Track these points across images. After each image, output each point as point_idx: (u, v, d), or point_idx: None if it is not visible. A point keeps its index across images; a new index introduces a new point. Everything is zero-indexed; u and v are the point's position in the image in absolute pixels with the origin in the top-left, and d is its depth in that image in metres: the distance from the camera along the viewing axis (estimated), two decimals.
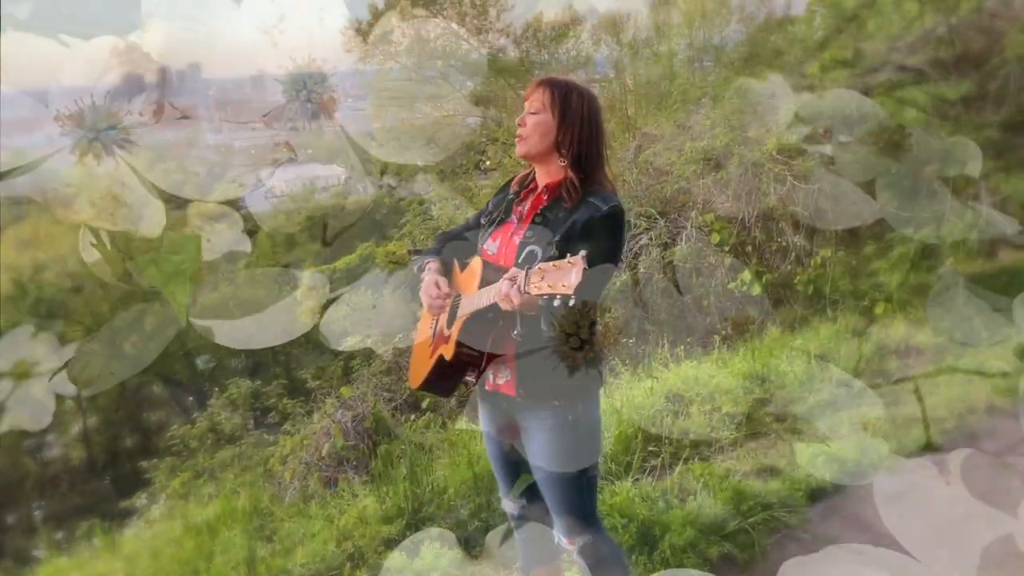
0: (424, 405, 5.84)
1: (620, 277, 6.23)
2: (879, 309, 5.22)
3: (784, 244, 6.09)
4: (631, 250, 6.45)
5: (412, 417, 5.60)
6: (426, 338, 2.22)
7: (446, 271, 2.19)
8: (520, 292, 1.71)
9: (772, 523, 3.13)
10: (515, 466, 2.24)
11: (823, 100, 6.00)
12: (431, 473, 3.60)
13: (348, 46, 13.78)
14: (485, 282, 1.96)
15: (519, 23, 13.07)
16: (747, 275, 5.99)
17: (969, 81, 5.92)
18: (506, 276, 1.77)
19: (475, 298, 1.96)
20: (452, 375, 2.08)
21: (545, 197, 2.08)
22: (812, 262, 5.83)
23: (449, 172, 14.38)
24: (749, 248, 6.16)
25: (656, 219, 6.55)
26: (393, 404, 5.55)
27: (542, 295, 1.64)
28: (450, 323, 2.09)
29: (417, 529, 3.14)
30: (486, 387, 2.13)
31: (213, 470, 6.49)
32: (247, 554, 3.19)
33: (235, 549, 3.27)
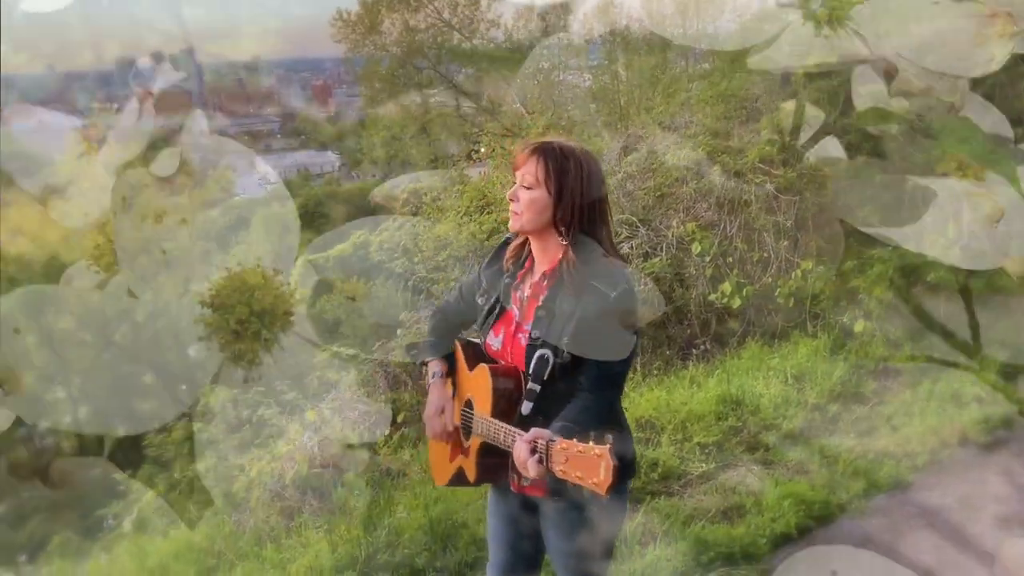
0: (399, 419, 5.75)
1: None
2: (858, 327, 5.12)
3: (766, 255, 5.97)
4: None
5: (386, 432, 5.51)
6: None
7: (450, 368, 2.11)
8: (540, 465, 1.63)
9: None
10: (526, 549, 2.12)
11: None
12: (392, 514, 3.53)
13: (337, 36, 13.61)
14: (498, 394, 1.88)
15: (510, 13, 12.86)
16: (727, 286, 5.88)
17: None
18: (525, 438, 1.67)
19: (491, 428, 1.87)
20: (477, 483, 2.03)
21: (545, 284, 1.93)
22: (793, 274, 5.72)
23: (441, 161, 14.24)
24: (730, 259, 6.04)
25: (637, 227, 6.43)
26: (367, 422, 5.45)
27: (568, 481, 1.57)
28: (466, 434, 2.01)
29: None
30: (511, 488, 2.01)
31: (192, 481, 6.40)
32: None
33: None
